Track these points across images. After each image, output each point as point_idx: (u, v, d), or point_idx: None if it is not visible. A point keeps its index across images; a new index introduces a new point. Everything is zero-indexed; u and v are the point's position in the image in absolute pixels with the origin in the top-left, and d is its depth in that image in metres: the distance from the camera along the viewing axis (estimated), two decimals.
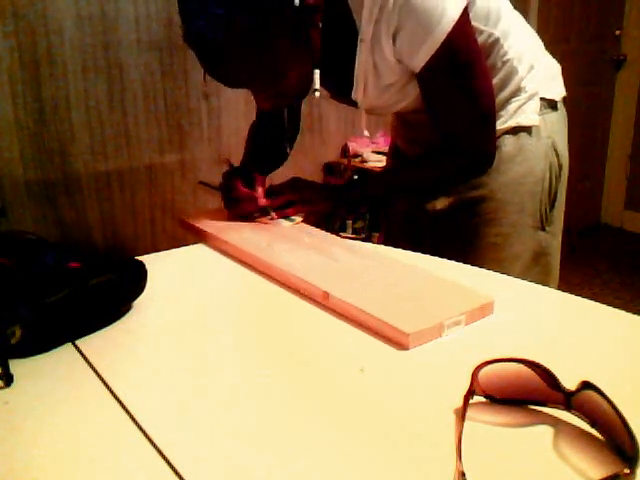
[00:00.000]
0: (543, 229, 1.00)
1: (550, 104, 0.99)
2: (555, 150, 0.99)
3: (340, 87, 0.95)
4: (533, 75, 0.96)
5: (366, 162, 2.47)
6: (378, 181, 1.07)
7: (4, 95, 1.74)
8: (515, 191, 0.97)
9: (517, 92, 0.95)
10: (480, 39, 0.88)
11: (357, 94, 0.92)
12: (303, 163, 2.57)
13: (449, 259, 0.82)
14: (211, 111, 2.18)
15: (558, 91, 1.01)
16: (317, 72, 0.84)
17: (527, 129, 0.96)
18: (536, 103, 0.96)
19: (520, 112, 0.95)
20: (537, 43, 1.02)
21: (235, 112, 2.22)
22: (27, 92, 1.78)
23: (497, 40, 0.91)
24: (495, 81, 0.93)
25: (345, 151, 2.63)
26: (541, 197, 0.99)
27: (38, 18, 1.75)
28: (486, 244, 0.99)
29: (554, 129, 1.00)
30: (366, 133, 0.99)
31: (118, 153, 2.01)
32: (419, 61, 0.82)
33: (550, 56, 1.04)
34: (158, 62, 2.02)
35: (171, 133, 2.11)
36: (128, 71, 1.96)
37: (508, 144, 0.96)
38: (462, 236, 1.01)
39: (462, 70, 0.85)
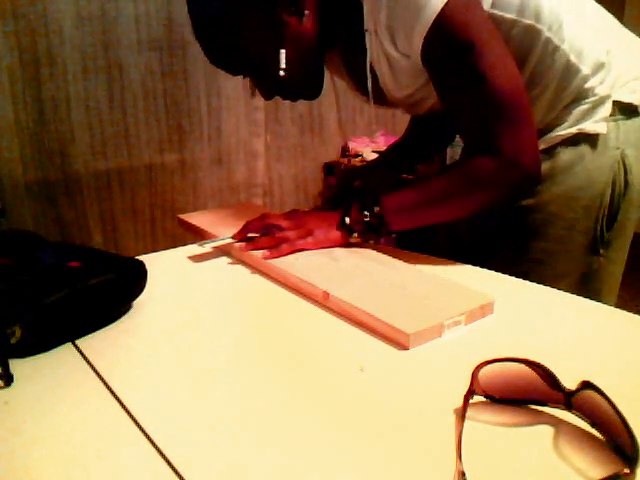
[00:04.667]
0: (597, 251, 0.89)
1: (628, 109, 0.86)
2: (624, 164, 0.87)
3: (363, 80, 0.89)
4: (604, 75, 0.84)
5: (366, 162, 2.47)
6: (392, 201, 0.83)
7: (4, 95, 1.74)
8: (568, 205, 0.87)
9: (582, 95, 0.85)
10: (505, 28, 0.80)
11: (369, 84, 0.87)
12: (303, 163, 2.57)
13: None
14: (211, 111, 2.18)
15: None
16: (283, 52, 0.82)
17: (591, 137, 0.85)
18: (607, 108, 0.85)
19: (587, 118, 0.85)
20: (618, 34, 0.91)
21: (235, 112, 2.22)
22: (27, 92, 1.78)
23: (538, 31, 0.80)
24: (547, 80, 0.84)
25: (345, 151, 2.63)
26: (597, 215, 0.87)
27: (38, 18, 1.75)
28: (530, 259, 0.90)
29: (629, 139, 0.86)
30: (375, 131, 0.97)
31: (118, 153, 2.01)
32: (416, 49, 0.76)
33: None
34: (158, 62, 2.03)
35: (171, 133, 2.12)
36: (128, 71, 1.97)
37: (567, 152, 0.86)
38: (505, 248, 0.93)
39: (462, 52, 0.75)
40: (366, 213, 0.82)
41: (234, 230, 0.88)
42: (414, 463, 0.42)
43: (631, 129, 0.87)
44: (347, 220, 0.83)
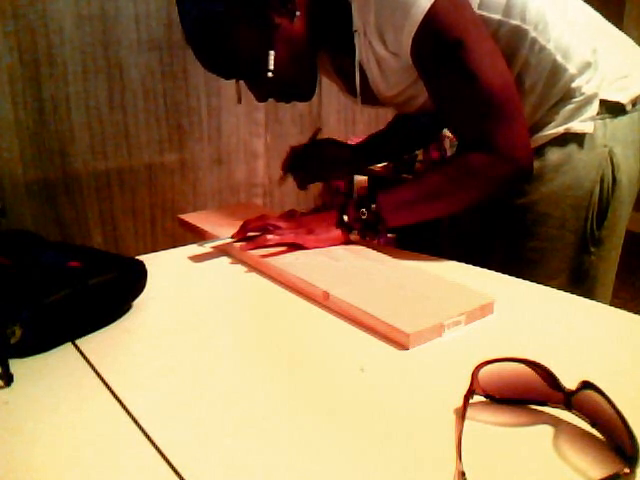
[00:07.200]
0: (588, 249, 0.89)
1: (615, 108, 0.86)
2: (611, 161, 0.87)
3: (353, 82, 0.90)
4: (591, 74, 0.85)
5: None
6: (388, 197, 0.84)
7: (4, 95, 1.74)
8: (557, 204, 0.87)
9: (569, 94, 0.85)
10: (491, 29, 0.80)
11: (357, 84, 0.88)
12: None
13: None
14: (211, 111, 2.18)
15: (629, 92, 0.87)
16: (272, 53, 0.82)
17: (578, 136, 0.86)
18: (594, 107, 0.85)
19: (574, 117, 0.85)
20: (605, 33, 0.90)
21: (235, 112, 2.22)
22: (27, 92, 1.78)
23: (524, 31, 0.81)
24: (534, 79, 0.84)
25: None
26: (587, 213, 0.88)
27: (38, 18, 1.75)
28: (522, 258, 0.90)
29: (616, 137, 0.87)
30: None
31: (118, 153, 2.00)
32: (405, 48, 0.77)
33: (635, 48, 0.91)
34: (158, 62, 2.02)
35: (171, 133, 2.11)
36: (128, 71, 1.96)
37: (555, 151, 0.86)
38: (497, 248, 0.93)
39: (451, 50, 0.75)
40: (363, 211, 0.82)
41: (234, 230, 0.88)
42: (414, 463, 0.42)
43: (618, 127, 0.87)
44: (345, 218, 0.84)
